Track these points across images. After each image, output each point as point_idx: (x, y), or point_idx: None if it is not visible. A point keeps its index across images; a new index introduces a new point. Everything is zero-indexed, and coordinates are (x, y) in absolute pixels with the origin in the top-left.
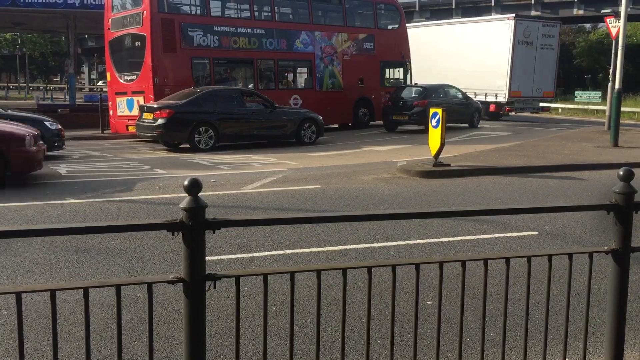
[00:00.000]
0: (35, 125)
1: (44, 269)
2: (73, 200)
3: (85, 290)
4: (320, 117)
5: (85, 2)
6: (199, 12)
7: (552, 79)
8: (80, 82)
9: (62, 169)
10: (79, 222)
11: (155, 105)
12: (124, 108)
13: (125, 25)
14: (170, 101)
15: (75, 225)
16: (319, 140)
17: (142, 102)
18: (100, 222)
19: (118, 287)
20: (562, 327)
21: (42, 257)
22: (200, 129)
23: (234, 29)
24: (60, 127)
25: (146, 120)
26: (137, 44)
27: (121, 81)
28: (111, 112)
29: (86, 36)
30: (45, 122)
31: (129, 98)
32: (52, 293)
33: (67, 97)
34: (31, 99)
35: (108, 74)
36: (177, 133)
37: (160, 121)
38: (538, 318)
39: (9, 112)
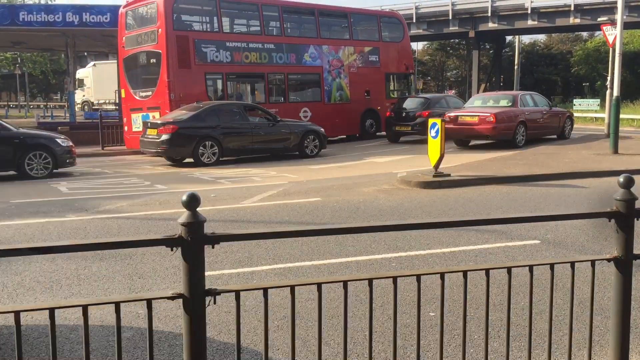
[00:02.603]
0: (47, 142)
1: (44, 287)
2: (74, 218)
3: (85, 308)
4: (323, 130)
5: (84, 20)
6: (211, 28)
7: None
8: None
9: (63, 186)
10: (79, 239)
11: (159, 121)
12: (139, 124)
13: (139, 42)
14: (174, 116)
15: (74, 243)
16: (322, 152)
17: (157, 118)
18: (100, 239)
19: (117, 304)
20: (566, 337)
21: (43, 276)
22: (204, 143)
23: (245, 44)
24: (71, 144)
25: (150, 136)
26: (152, 60)
27: (136, 97)
28: (126, 128)
29: (85, 54)
30: (57, 139)
31: (145, 114)
32: (51, 312)
33: (67, 114)
34: (31, 117)
35: (123, 91)
36: (181, 148)
37: (164, 137)
38: (542, 327)
39: (21, 130)
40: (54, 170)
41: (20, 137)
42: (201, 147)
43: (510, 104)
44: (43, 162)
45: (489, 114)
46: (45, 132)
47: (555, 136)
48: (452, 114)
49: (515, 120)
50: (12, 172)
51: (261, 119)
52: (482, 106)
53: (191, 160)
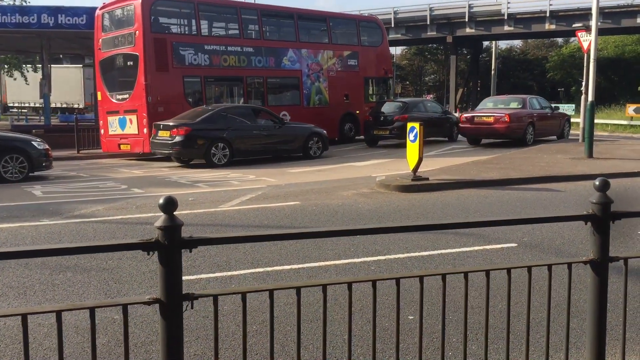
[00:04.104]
0: (22, 145)
1: (17, 292)
2: (48, 222)
3: (58, 314)
4: (325, 132)
5: (59, 22)
6: (189, 31)
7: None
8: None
9: (37, 190)
10: (53, 243)
11: (171, 123)
12: (115, 127)
13: (116, 45)
14: (185, 119)
15: (48, 247)
16: (324, 154)
17: (134, 121)
18: (75, 243)
19: (92, 310)
20: (544, 339)
21: (16, 281)
22: (216, 145)
23: (223, 47)
24: (47, 147)
25: (162, 138)
26: (130, 63)
27: (113, 100)
28: (102, 131)
29: (61, 56)
30: (32, 142)
31: (121, 117)
32: (24, 317)
33: (42, 117)
34: (5, 120)
35: (99, 93)
36: (194, 150)
37: (177, 138)
38: (519, 330)
39: None
40: (30, 174)
41: None
42: (213, 149)
43: (520, 106)
44: (19, 166)
45: (503, 114)
46: (20, 135)
47: (555, 137)
48: (469, 115)
49: (526, 121)
50: None
51: (267, 122)
52: (494, 107)
53: (203, 161)
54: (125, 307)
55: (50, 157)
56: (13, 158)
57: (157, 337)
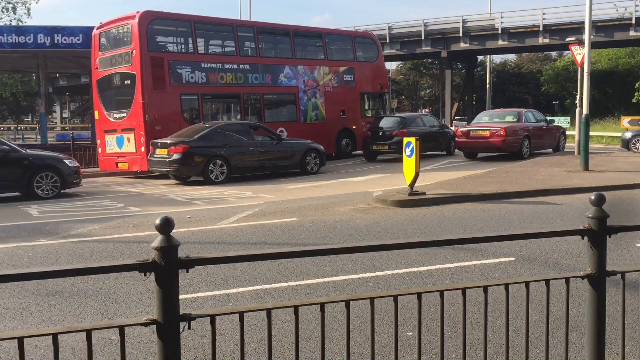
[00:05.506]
0: (55, 163)
1: (14, 313)
2: (44, 242)
3: (55, 337)
4: (322, 147)
5: (55, 41)
6: (186, 49)
7: None
8: (52, 121)
9: (34, 210)
10: (50, 264)
11: (169, 141)
12: (113, 145)
13: (113, 64)
14: (182, 136)
15: (44, 270)
16: (322, 169)
17: (132, 139)
18: (71, 264)
19: (89, 332)
20: (543, 354)
21: (12, 302)
22: (214, 162)
23: (220, 65)
24: (77, 164)
25: (160, 156)
26: (127, 82)
27: (110, 119)
28: (99, 150)
29: (57, 75)
30: (64, 160)
31: (119, 135)
32: (20, 341)
33: (39, 136)
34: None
35: (96, 112)
36: (192, 167)
37: (175, 156)
38: (518, 345)
39: (28, 151)
40: (62, 191)
41: (29, 159)
42: (211, 166)
43: (515, 120)
44: (51, 183)
45: (499, 128)
46: (52, 153)
47: (551, 150)
48: (464, 129)
49: (521, 134)
50: (17, 193)
51: (265, 138)
52: (490, 122)
53: (200, 178)
54: (122, 328)
55: (81, 174)
56: (45, 176)
57: (155, 358)
